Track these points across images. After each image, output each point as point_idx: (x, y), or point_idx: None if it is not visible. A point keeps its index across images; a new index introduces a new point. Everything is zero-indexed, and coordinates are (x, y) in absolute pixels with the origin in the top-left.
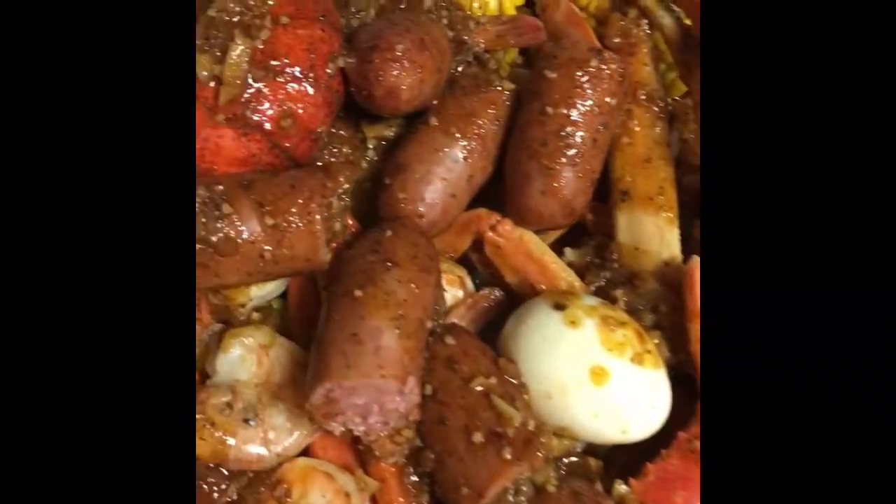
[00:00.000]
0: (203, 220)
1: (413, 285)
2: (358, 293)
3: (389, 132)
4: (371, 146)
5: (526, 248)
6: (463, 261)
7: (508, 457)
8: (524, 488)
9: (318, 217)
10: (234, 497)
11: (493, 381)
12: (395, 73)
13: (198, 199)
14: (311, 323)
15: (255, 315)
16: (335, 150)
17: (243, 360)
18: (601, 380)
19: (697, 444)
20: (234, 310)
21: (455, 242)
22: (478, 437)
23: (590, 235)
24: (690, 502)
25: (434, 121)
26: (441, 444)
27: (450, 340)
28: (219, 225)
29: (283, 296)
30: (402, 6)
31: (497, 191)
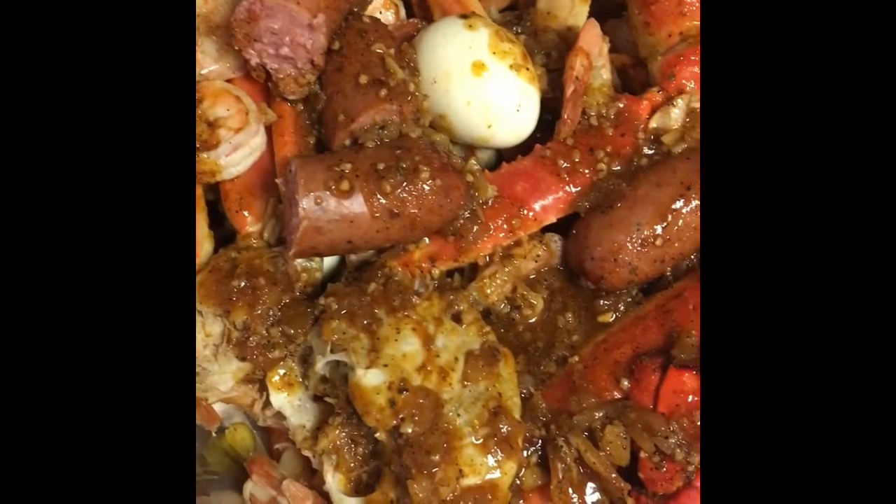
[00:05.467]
0: None
1: None
2: None
3: None
4: None
5: None
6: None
7: (383, 95)
8: (391, 129)
9: None
10: None
11: (391, 51)
12: None
13: None
14: None
15: None
16: None
17: None
18: (479, 72)
19: (548, 152)
20: None
21: None
22: (363, 80)
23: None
24: (529, 193)
25: None
26: (333, 87)
27: (367, 20)
28: None
29: None
30: None
31: None
